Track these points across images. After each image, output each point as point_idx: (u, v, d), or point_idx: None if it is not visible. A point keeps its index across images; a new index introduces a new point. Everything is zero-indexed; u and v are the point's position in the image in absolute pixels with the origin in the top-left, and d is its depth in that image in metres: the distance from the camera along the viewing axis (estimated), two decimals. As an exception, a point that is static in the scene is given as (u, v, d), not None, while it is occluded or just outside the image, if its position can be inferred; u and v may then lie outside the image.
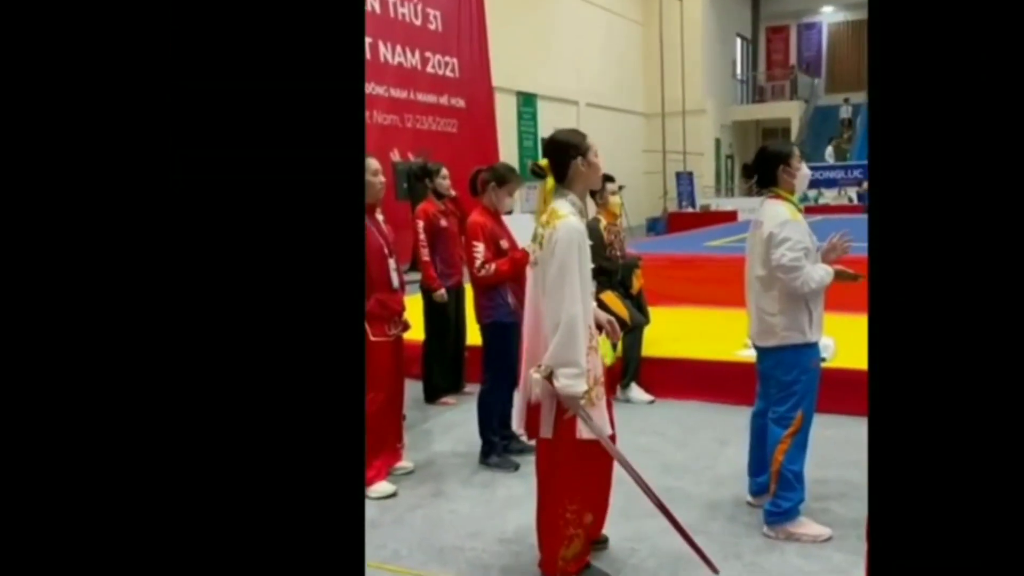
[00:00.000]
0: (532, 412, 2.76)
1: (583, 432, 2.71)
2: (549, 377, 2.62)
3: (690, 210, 20.75)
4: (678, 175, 21.79)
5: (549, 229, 2.67)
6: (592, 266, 2.76)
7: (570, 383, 2.59)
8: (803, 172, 3.39)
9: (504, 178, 4.22)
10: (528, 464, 4.24)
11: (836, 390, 4.47)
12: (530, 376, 2.68)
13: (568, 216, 2.66)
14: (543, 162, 2.84)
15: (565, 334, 2.57)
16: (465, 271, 5.56)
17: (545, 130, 18.95)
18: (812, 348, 3.28)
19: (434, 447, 4.67)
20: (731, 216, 18.20)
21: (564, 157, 2.76)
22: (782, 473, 3.25)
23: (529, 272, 2.81)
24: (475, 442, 4.43)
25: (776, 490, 3.27)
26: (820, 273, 3.22)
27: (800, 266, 3.12)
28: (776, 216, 3.22)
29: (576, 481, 2.82)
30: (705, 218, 17.66)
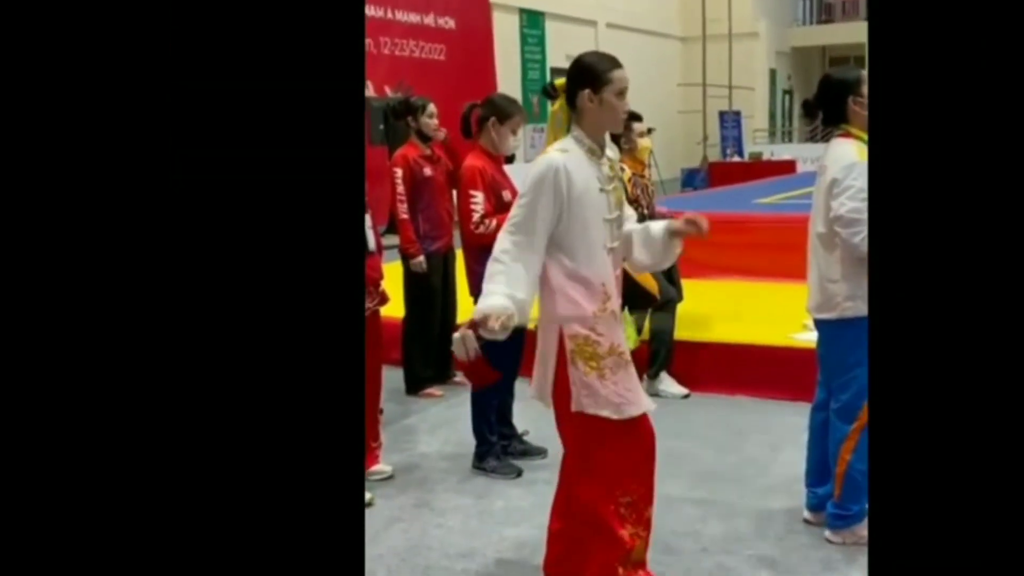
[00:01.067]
0: (471, 367, 2.90)
1: (583, 404, 2.79)
2: (472, 326, 2.73)
3: (737, 159, 20.75)
4: (722, 115, 21.75)
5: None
6: (612, 215, 2.82)
7: (481, 304, 2.70)
8: None
9: (505, 112, 4.25)
10: (533, 470, 4.32)
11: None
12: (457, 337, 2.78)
13: (551, 152, 2.77)
14: (560, 82, 2.91)
15: (488, 268, 2.77)
16: (456, 234, 5.62)
17: (554, 58, 18.93)
18: None
19: (418, 448, 4.74)
20: (789, 167, 18.22)
21: (572, 85, 2.83)
22: (849, 474, 3.32)
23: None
24: (467, 442, 4.50)
25: (841, 494, 3.34)
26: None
27: (862, 218, 3.14)
28: (842, 157, 3.25)
29: (623, 462, 2.86)
30: (756, 169, 17.68)
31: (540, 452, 4.44)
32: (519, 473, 4.29)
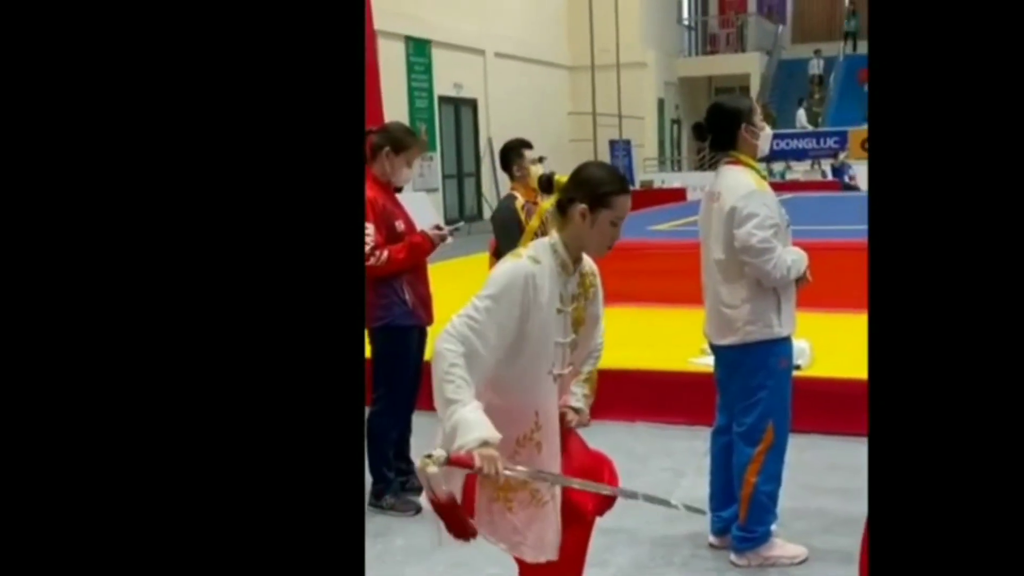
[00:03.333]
0: (446, 510, 2.45)
1: (483, 529, 2.56)
2: (452, 460, 2.33)
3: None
4: (612, 144, 22.17)
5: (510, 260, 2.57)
6: (565, 339, 2.59)
7: (469, 434, 2.31)
8: (766, 132, 3.53)
9: (401, 143, 4.23)
10: (433, 506, 4.27)
11: (813, 404, 4.65)
12: (421, 471, 2.35)
13: (523, 258, 2.54)
14: (560, 179, 2.68)
15: (436, 381, 2.40)
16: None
17: (442, 87, 19.02)
18: (781, 345, 3.42)
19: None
20: (679, 194, 18.69)
21: (570, 192, 2.58)
22: (754, 497, 3.39)
23: None
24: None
25: (747, 516, 3.40)
26: (793, 256, 3.36)
27: (772, 247, 3.24)
28: (739, 186, 3.34)
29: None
30: (647, 197, 18.03)
31: (439, 487, 4.40)
32: (419, 509, 4.23)
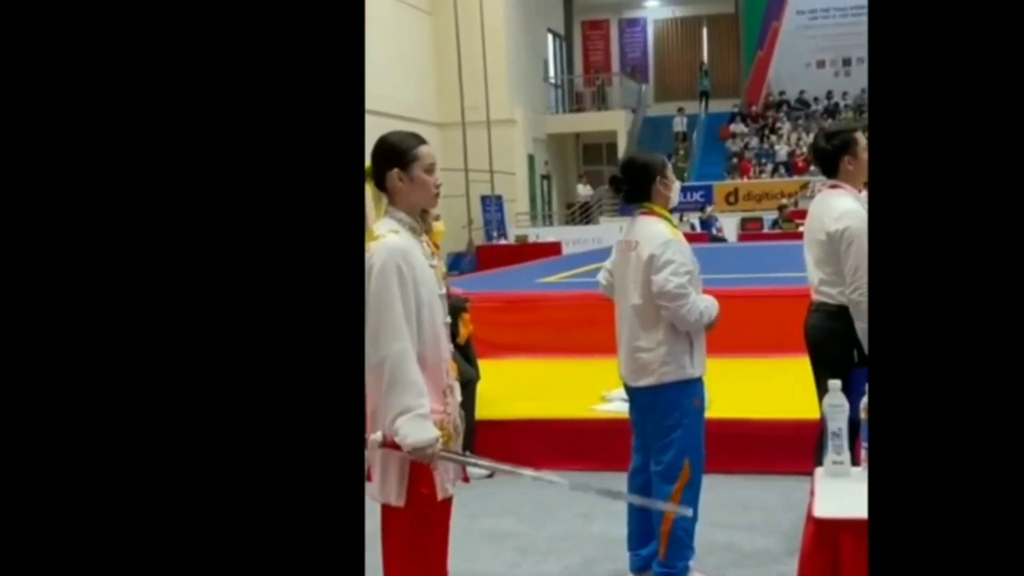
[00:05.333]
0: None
1: (447, 488, 2.80)
2: (387, 442, 2.67)
3: (503, 242, 21.44)
4: (484, 199, 22.47)
5: (367, 255, 2.74)
6: (442, 291, 2.87)
7: (413, 433, 2.62)
8: (676, 185, 3.77)
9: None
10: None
11: (714, 445, 4.85)
12: (371, 442, 2.70)
13: (385, 235, 2.74)
14: (367, 166, 2.86)
15: (389, 380, 2.64)
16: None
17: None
18: (694, 385, 3.62)
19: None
20: (554, 248, 19.04)
21: (379, 166, 2.83)
22: (674, 533, 3.54)
23: None
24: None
25: (667, 552, 3.55)
26: (706, 302, 3.57)
27: (687, 292, 3.46)
28: (656, 235, 3.54)
29: (416, 552, 2.86)
30: (524, 252, 18.33)
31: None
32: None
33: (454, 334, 5.60)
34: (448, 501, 2.89)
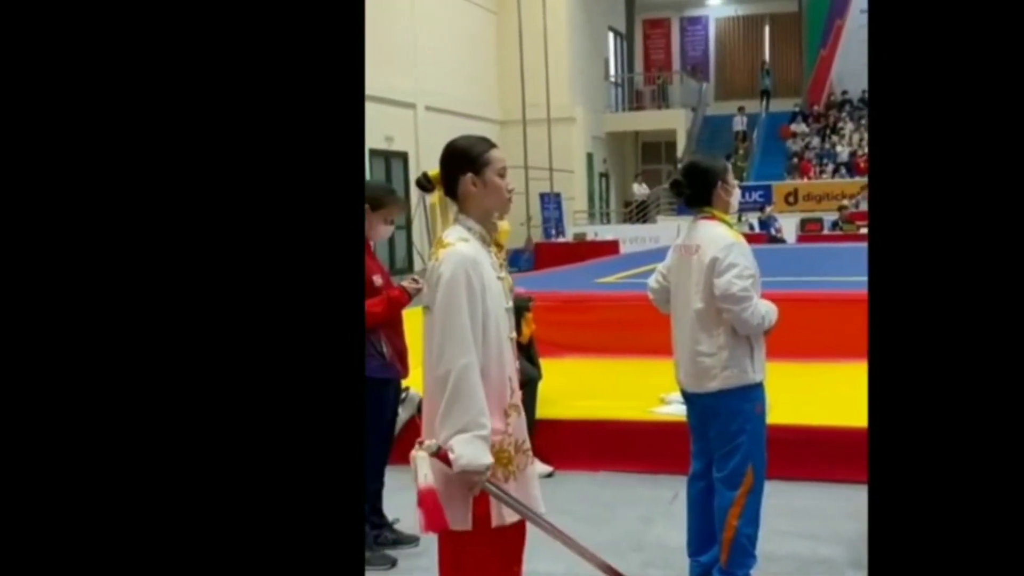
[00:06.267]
0: (425, 500, 2.57)
1: (504, 514, 2.65)
2: (440, 454, 2.53)
3: (561, 240, 21.39)
4: (543, 196, 22.45)
5: (432, 262, 2.67)
6: (509, 304, 2.75)
7: (467, 454, 2.50)
8: (737, 190, 3.72)
9: (379, 201, 4.28)
10: (407, 558, 4.28)
11: (774, 451, 4.78)
12: (414, 457, 2.56)
13: (455, 244, 2.64)
14: (434, 172, 2.81)
15: (452, 393, 2.53)
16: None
17: (373, 139, 19.08)
18: (755, 390, 3.56)
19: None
20: (613, 247, 18.94)
21: (450, 171, 2.74)
22: (736, 540, 3.49)
23: (424, 319, 2.74)
24: (336, 534, 4.41)
25: (729, 559, 3.49)
26: (767, 306, 3.51)
27: (750, 296, 3.40)
28: (718, 238, 3.49)
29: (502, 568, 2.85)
30: (582, 250, 18.27)
31: (412, 540, 4.41)
32: (394, 563, 4.24)
33: (516, 334, 5.60)
34: (517, 531, 2.76)
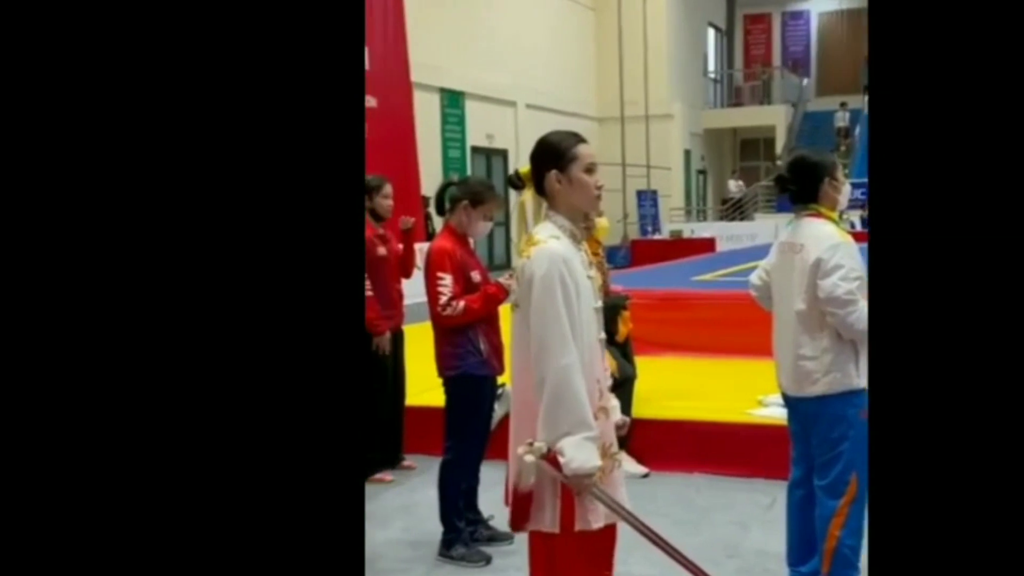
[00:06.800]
0: (520, 501, 2.59)
1: (590, 519, 2.58)
2: (548, 457, 2.47)
3: (657, 237, 21.20)
4: (639, 193, 22.27)
5: (523, 259, 2.62)
6: (598, 304, 2.69)
7: (578, 457, 2.44)
8: (846, 187, 3.58)
9: (479, 196, 4.27)
10: (501, 556, 4.26)
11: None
12: (519, 459, 2.53)
13: (546, 241, 2.59)
14: (524, 170, 2.75)
15: (554, 395, 2.47)
16: (406, 310, 5.63)
17: (474, 136, 19.22)
18: (859, 396, 3.41)
19: (375, 537, 4.64)
20: (709, 245, 18.72)
21: (538, 168, 2.68)
22: (839, 550, 3.37)
23: (513, 317, 2.71)
24: (429, 530, 4.43)
25: (831, 572, 3.38)
26: (872, 309, 3.38)
27: (856, 299, 3.26)
28: (823, 238, 3.36)
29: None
30: (678, 247, 18.12)
31: (507, 538, 4.39)
32: (488, 560, 4.23)
33: (613, 332, 5.55)
34: (607, 535, 2.70)
